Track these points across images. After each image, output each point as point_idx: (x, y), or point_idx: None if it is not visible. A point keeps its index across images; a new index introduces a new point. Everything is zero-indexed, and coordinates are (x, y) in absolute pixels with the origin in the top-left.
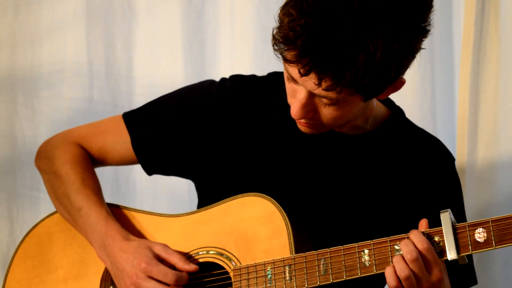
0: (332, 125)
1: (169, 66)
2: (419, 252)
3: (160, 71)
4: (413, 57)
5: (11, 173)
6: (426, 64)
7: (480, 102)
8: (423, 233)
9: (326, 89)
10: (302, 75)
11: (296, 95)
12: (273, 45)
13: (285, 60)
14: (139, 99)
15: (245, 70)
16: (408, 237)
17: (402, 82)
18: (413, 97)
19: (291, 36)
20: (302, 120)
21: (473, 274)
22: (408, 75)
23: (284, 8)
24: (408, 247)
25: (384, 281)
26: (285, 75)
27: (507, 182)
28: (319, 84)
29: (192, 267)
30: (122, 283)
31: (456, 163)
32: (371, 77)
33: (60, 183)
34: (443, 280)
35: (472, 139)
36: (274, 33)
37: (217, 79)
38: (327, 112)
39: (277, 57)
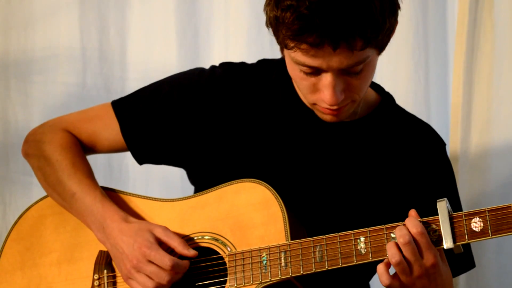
0: (358, 99)
1: (163, 51)
2: (412, 236)
3: (153, 56)
4: None
5: (4, 158)
6: (420, 51)
7: (473, 90)
8: (420, 221)
9: (361, 49)
10: (335, 49)
11: (321, 85)
12: (285, 47)
13: (308, 51)
14: (133, 85)
15: (239, 56)
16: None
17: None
18: (407, 85)
19: (304, 23)
20: (335, 107)
21: (471, 258)
22: (402, 62)
23: (274, 6)
24: (401, 231)
25: (374, 269)
26: (298, 76)
27: (500, 170)
28: (352, 49)
29: (191, 252)
30: (122, 266)
31: (449, 150)
32: (387, 19)
33: (51, 170)
34: (437, 266)
35: (466, 127)
36: (282, 35)
37: (211, 64)
38: (357, 82)
39: (295, 59)
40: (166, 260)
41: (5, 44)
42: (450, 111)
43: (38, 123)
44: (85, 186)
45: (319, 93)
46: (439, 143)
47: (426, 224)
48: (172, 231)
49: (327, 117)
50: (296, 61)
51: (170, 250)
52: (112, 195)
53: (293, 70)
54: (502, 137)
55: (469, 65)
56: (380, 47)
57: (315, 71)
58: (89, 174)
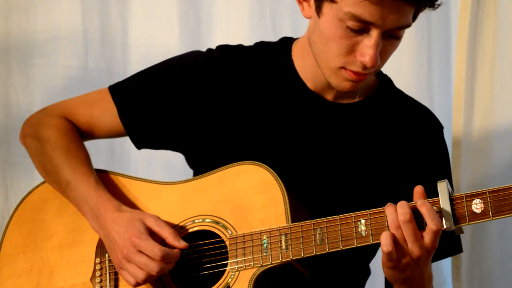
0: (379, 69)
1: (165, 34)
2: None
3: (155, 39)
4: None
5: (6, 141)
6: (423, 34)
7: (476, 73)
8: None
9: (419, 5)
10: (408, 1)
11: (362, 45)
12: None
13: (377, 1)
14: (134, 67)
15: (241, 38)
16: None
17: None
18: (409, 68)
19: None
20: (367, 72)
21: (458, 242)
22: (404, 45)
23: None
24: (402, 208)
25: (374, 252)
26: (340, 35)
27: (503, 153)
28: (420, 6)
29: (181, 244)
30: (113, 256)
31: (452, 134)
32: None
33: (47, 159)
34: (420, 260)
35: (469, 110)
36: None
37: (213, 47)
38: (390, 49)
39: (350, 13)
40: (156, 250)
41: (7, 27)
42: (453, 95)
43: (39, 106)
44: (79, 175)
45: (354, 55)
46: (437, 126)
47: None
48: (170, 215)
49: (347, 84)
50: (352, 15)
51: (161, 240)
52: (111, 179)
53: (335, 28)
54: (505, 120)
55: (472, 48)
56: (415, 18)
57: (364, 29)
58: (85, 161)
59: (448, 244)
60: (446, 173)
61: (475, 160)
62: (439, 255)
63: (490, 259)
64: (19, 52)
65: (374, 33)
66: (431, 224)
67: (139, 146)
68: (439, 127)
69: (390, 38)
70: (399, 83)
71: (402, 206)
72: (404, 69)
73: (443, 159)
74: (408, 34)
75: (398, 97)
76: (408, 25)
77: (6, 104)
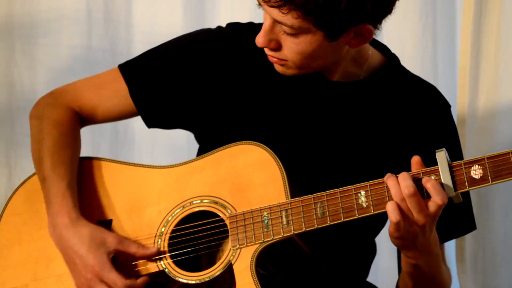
0: (300, 64)
1: (168, 13)
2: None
3: (159, 18)
4: (377, 4)
5: (9, 120)
6: (427, 13)
7: (481, 52)
8: (421, 173)
9: (271, 5)
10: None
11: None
12: None
13: None
14: (138, 47)
15: (245, 18)
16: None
17: (370, 31)
18: (414, 47)
19: None
20: (269, 53)
21: (472, 219)
22: (409, 24)
23: None
24: (406, 181)
25: (379, 227)
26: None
27: (508, 132)
28: (286, 13)
29: (152, 250)
30: (75, 277)
31: (457, 113)
32: (317, 2)
33: (37, 147)
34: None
35: (473, 89)
36: None
37: (217, 25)
38: (288, 45)
39: None
40: (118, 283)
41: (10, 7)
42: (457, 74)
43: (43, 86)
44: (55, 175)
45: None
46: (444, 105)
47: (425, 175)
48: (168, 198)
49: (275, 67)
50: None
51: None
52: (110, 166)
53: None
54: (509, 100)
55: (477, 28)
56: (327, 31)
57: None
58: (67, 158)
59: (463, 222)
60: (456, 149)
61: (480, 139)
62: (454, 233)
63: (494, 239)
64: (22, 31)
65: (266, 16)
66: (437, 199)
67: (149, 125)
68: (447, 105)
69: (282, 30)
70: (404, 63)
71: (405, 179)
72: (409, 49)
73: (451, 136)
74: (413, 14)
75: (404, 75)
76: (289, 26)
77: (9, 84)
